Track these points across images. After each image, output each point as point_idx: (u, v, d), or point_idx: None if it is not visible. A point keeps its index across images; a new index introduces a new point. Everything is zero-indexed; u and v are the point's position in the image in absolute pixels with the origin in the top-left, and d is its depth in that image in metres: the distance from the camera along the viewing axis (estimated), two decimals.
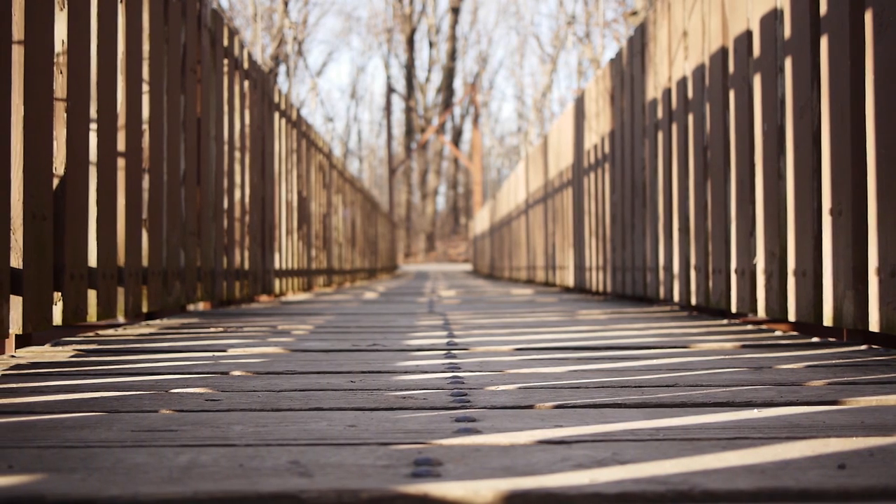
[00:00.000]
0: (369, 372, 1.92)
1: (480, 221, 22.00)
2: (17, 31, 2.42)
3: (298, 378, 1.82)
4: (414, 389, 1.64)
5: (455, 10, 40.60)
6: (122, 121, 3.27)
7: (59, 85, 2.72)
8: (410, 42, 39.77)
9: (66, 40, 2.74)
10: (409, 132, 39.46)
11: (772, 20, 3.04)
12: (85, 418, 1.33)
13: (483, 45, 54.84)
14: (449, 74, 40.45)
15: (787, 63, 2.90)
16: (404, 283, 11.51)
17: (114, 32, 3.15)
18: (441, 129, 38.28)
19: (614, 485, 0.88)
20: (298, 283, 7.29)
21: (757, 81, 3.17)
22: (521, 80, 43.59)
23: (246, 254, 5.35)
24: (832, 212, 2.57)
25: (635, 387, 1.64)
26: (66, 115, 2.73)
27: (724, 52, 3.53)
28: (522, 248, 11.55)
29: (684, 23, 4.08)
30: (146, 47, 3.56)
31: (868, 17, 2.36)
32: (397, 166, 34.86)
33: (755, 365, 1.98)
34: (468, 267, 31.02)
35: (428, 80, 40.97)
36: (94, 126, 2.99)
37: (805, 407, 1.39)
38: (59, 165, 2.72)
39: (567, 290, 7.67)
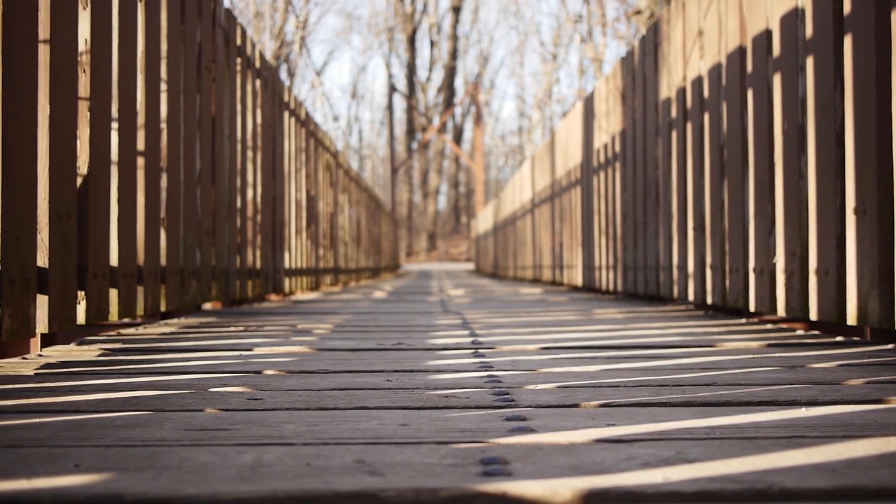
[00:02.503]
0: (403, 371, 1.92)
1: (483, 221, 22.01)
2: (43, 30, 2.42)
3: (333, 377, 1.82)
4: (453, 388, 1.64)
5: (456, 10, 40.60)
6: (141, 120, 3.27)
7: (83, 84, 2.73)
8: (412, 41, 39.77)
9: (88, 39, 2.74)
10: (411, 131, 39.46)
11: (793, 19, 3.04)
12: (134, 417, 1.33)
13: (484, 44, 54.85)
14: (450, 74, 40.46)
15: (809, 62, 2.90)
16: (409, 282, 11.51)
17: (134, 31, 3.16)
18: (442, 129, 38.28)
19: (689, 483, 0.88)
20: (307, 282, 7.29)
21: (777, 81, 3.17)
22: (521, 80, 43.62)
23: (258, 253, 5.35)
24: (856, 211, 2.57)
25: (674, 385, 1.64)
26: (89, 113, 2.74)
27: (741, 51, 3.53)
28: (528, 247, 11.55)
29: (699, 22, 4.08)
30: (164, 46, 3.56)
31: (894, 16, 2.36)
32: (399, 165, 34.86)
33: (788, 364, 1.98)
34: (470, 266, 31.02)
35: (429, 79, 40.99)
36: (115, 125, 3.00)
37: (851, 406, 1.39)
38: (82, 164, 2.72)
39: (575, 289, 7.67)
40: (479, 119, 31.40)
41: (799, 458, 0.99)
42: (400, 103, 40.27)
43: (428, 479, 0.92)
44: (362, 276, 12.26)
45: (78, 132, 2.67)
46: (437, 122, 38.63)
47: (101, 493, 0.86)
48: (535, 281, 10.66)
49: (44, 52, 2.41)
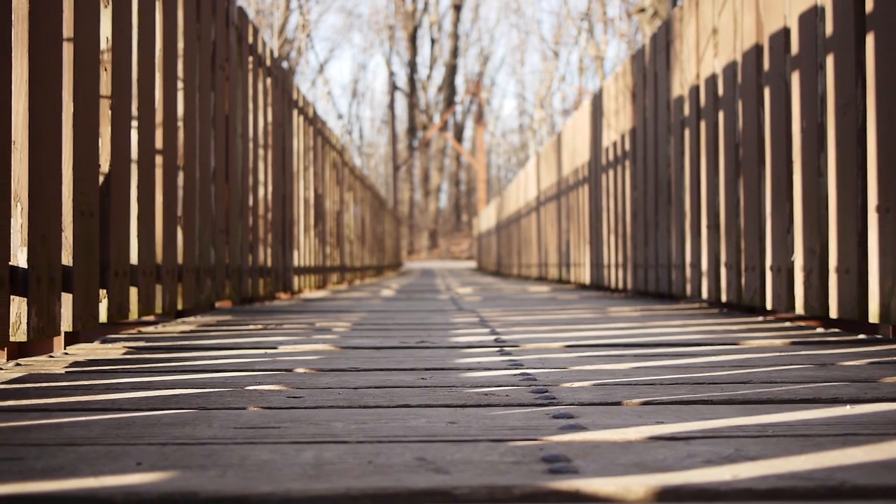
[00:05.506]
0: (433, 369, 1.92)
1: (486, 219, 22.01)
2: (67, 28, 2.42)
3: (367, 375, 1.83)
4: (490, 386, 1.64)
5: (457, 8, 40.58)
6: (159, 118, 3.27)
7: (104, 82, 2.72)
8: (413, 39, 39.75)
9: (110, 37, 2.74)
10: (412, 129, 39.46)
11: (812, 17, 3.04)
12: (180, 415, 1.33)
13: (485, 42, 54.87)
14: (451, 72, 40.45)
15: (829, 60, 2.89)
16: (414, 280, 11.51)
17: (152, 29, 3.16)
18: (444, 127, 38.28)
19: (760, 480, 0.88)
20: (315, 280, 7.29)
21: (795, 79, 3.17)
22: (522, 78, 43.60)
23: (268, 251, 5.35)
24: (879, 209, 2.57)
25: (711, 383, 1.64)
26: (110, 112, 2.74)
27: (758, 49, 3.53)
28: (533, 245, 11.55)
29: (714, 20, 4.08)
30: (181, 45, 3.56)
31: None
32: (401, 164, 34.85)
33: (818, 362, 1.98)
34: (472, 264, 31.03)
35: (429, 77, 40.98)
36: (134, 123, 2.99)
37: (895, 404, 1.40)
38: (103, 162, 2.72)
39: (583, 287, 7.67)
40: (480, 117, 31.39)
41: (860, 456, 0.99)
42: (401, 101, 40.28)
43: (495, 476, 0.92)
44: (367, 274, 12.27)
45: (99, 130, 2.67)
46: (437, 120, 38.62)
47: (174, 491, 0.86)
48: (541, 279, 10.67)
49: (67, 51, 2.42)
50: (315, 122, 7.44)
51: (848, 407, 1.36)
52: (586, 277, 7.52)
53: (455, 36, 40.67)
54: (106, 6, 2.74)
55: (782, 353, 2.17)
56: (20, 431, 1.20)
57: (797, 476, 0.90)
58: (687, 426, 1.20)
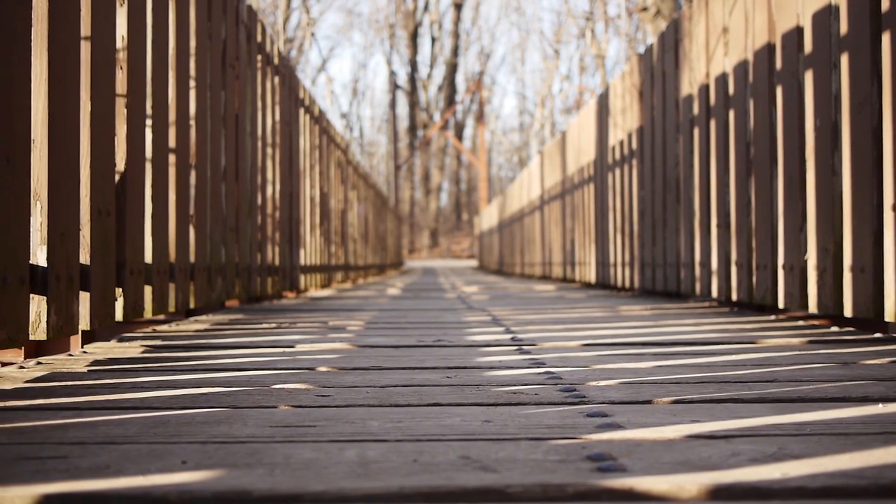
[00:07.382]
0: (456, 368, 1.92)
1: (488, 217, 22.00)
2: (85, 27, 2.42)
3: (391, 374, 1.83)
4: (517, 385, 1.64)
5: (458, 6, 40.57)
6: (172, 117, 3.27)
7: (119, 81, 2.72)
8: (413, 38, 39.74)
9: (125, 36, 2.74)
10: (413, 128, 39.45)
11: (826, 16, 3.04)
12: (213, 414, 1.33)
13: (485, 40, 54.87)
14: (452, 70, 40.44)
15: (843, 59, 2.89)
16: (417, 278, 11.51)
17: (165, 28, 3.16)
18: (444, 126, 38.26)
19: (810, 479, 0.88)
20: (320, 279, 7.29)
21: (808, 78, 3.17)
22: (522, 77, 43.58)
23: (276, 250, 5.35)
24: (895, 208, 2.57)
25: (737, 381, 1.64)
26: (125, 110, 2.73)
27: (770, 48, 3.53)
28: (537, 244, 11.55)
29: (724, 19, 4.08)
30: (193, 43, 3.55)
31: None
32: (402, 163, 34.84)
33: (839, 360, 1.98)
34: (473, 263, 31.02)
35: (430, 76, 40.96)
36: (148, 122, 2.99)
37: None
38: (119, 161, 2.72)
39: (588, 285, 7.67)
40: (481, 116, 31.38)
41: None
42: (402, 100, 40.25)
43: (544, 475, 0.92)
44: (370, 272, 12.27)
45: (115, 129, 2.67)
46: (438, 118, 38.61)
47: (227, 490, 0.86)
48: (545, 278, 10.67)
49: (85, 49, 2.42)
50: (321, 121, 7.44)
51: (880, 406, 1.36)
52: (592, 276, 7.52)
53: (456, 34, 40.65)
54: (121, 5, 2.74)
55: (802, 352, 2.17)
56: (57, 430, 1.20)
57: (847, 475, 0.90)
58: (723, 424, 1.20)
